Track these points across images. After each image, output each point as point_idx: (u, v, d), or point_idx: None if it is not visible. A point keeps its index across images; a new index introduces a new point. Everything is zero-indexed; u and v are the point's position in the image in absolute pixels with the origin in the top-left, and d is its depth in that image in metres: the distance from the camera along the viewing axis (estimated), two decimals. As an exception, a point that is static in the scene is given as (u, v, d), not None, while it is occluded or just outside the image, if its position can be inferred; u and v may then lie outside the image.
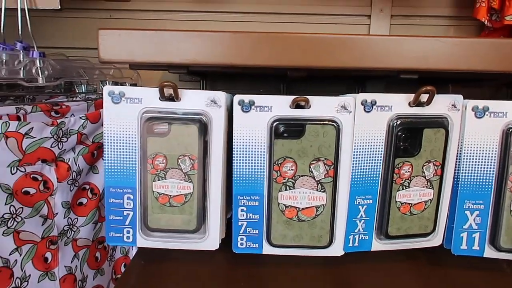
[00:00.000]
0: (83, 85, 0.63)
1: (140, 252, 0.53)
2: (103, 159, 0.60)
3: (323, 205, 0.47)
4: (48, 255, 0.53)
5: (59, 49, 0.65)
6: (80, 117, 0.55)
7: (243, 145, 0.46)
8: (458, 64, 0.44)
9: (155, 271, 0.49)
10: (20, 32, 0.48)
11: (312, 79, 0.74)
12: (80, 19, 0.70)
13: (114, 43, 0.43)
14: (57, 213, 0.53)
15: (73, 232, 0.56)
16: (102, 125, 0.58)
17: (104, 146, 0.47)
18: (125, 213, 0.48)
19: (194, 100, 0.46)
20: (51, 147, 0.51)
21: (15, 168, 0.48)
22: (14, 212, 0.49)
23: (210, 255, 0.50)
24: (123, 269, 0.66)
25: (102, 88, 0.64)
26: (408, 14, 0.78)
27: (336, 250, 0.49)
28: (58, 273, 0.54)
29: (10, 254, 0.49)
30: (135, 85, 0.64)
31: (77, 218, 0.56)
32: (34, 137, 0.49)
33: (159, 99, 0.45)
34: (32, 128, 0.49)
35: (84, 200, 0.57)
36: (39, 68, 0.49)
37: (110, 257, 0.64)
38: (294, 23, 0.79)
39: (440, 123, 0.47)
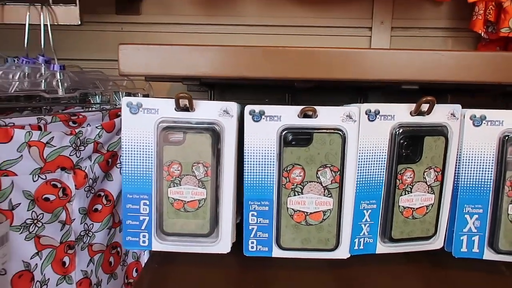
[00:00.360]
0: (97, 96, 0.65)
1: (153, 256, 0.55)
2: (117, 167, 0.63)
3: (330, 209, 0.49)
4: (66, 259, 0.55)
5: (74, 61, 0.68)
6: (96, 127, 0.58)
7: (254, 153, 0.49)
8: (456, 76, 0.46)
9: (169, 274, 0.51)
10: (42, 46, 0.50)
11: (316, 89, 0.77)
12: (93, 32, 0.73)
13: (133, 57, 0.46)
14: (74, 219, 0.56)
15: (89, 237, 0.58)
16: (117, 134, 0.61)
17: (122, 154, 0.49)
18: (141, 218, 0.50)
19: (207, 110, 0.48)
20: (69, 155, 0.54)
21: (37, 175, 0.51)
22: (36, 217, 0.51)
23: (221, 258, 0.52)
24: (134, 274, 0.69)
25: (115, 99, 0.67)
26: (408, 26, 0.81)
27: (343, 253, 0.51)
28: (75, 277, 0.56)
29: (31, 258, 0.51)
30: (147, 95, 0.67)
31: (92, 223, 0.59)
32: (55, 146, 0.52)
33: (175, 109, 0.48)
34: (53, 137, 0.51)
35: (99, 207, 0.60)
36: (59, 80, 0.52)
37: (122, 261, 0.66)
38: (298, 35, 0.82)
39: (440, 131, 0.50)
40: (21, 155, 0.49)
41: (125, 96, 0.67)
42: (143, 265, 0.69)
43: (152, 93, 0.69)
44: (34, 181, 0.51)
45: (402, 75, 0.48)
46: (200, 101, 0.48)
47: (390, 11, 0.79)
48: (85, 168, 0.56)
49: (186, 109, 0.48)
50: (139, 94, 0.66)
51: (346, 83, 0.57)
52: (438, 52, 0.47)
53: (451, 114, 0.50)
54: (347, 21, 0.81)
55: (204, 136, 0.48)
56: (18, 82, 0.48)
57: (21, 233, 0.50)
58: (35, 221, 0.51)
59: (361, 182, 0.49)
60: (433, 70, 0.47)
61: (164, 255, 0.53)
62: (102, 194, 0.60)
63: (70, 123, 0.57)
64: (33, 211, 0.51)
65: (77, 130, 0.55)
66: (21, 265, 0.50)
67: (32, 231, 0.51)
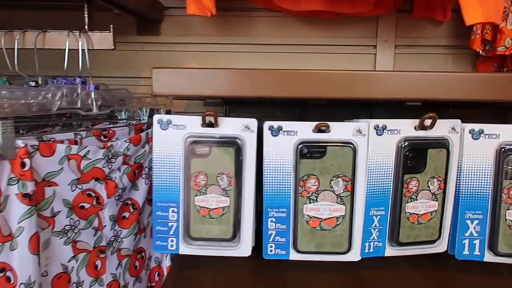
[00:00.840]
0: (123, 112, 0.71)
1: (176, 260, 0.60)
2: (142, 178, 0.68)
3: (342, 216, 0.54)
4: (98, 263, 0.60)
5: (100, 78, 0.73)
6: (125, 141, 0.63)
7: (272, 165, 0.54)
8: (455, 94, 0.51)
9: (193, 276, 0.56)
10: (80, 69, 0.56)
11: (324, 105, 0.82)
12: (118, 51, 0.78)
13: (164, 79, 0.51)
14: (105, 226, 0.61)
15: (117, 243, 0.63)
16: (142, 147, 0.66)
17: (153, 166, 0.54)
18: (169, 224, 0.55)
19: (230, 126, 0.53)
20: (102, 167, 0.59)
21: (75, 186, 0.56)
22: (73, 224, 0.56)
23: (240, 261, 0.57)
24: (156, 278, 0.73)
25: (140, 114, 0.72)
26: (411, 44, 0.86)
27: (354, 255, 0.56)
28: (106, 280, 0.61)
29: (68, 261, 0.56)
30: (169, 111, 0.72)
31: (121, 230, 0.63)
32: (90, 159, 0.57)
33: (201, 125, 0.53)
34: (89, 151, 0.56)
35: (127, 214, 0.64)
36: (93, 99, 0.57)
37: (146, 266, 0.71)
38: (306, 53, 0.87)
39: (442, 144, 0.55)
40: (62, 168, 0.54)
41: (149, 111, 0.73)
42: (164, 270, 0.73)
43: (173, 108, 0.75)
44: (72, 191, 0.55)
45: (406, 94, 0.53)
46: (224, 118, 0.54)
47: (394, 30, 0.85)
48: (115, 179, 0.61)
49: (211, 125, 0.53)
50: (162, 110, 0.71)
51: (353, 100, 0.62)
52: (439, 73, 0.52)
53: (452, 128, 0.55)
54: (353, 39, 0.86)
55: (228, 149, 0.53)
56: (59, 102, 0.53)
57: (60, 238, 0.54)
58: (73, 227, 0.56)
59: (370, 190, 0.54)
60: (434, 90, 0.52)
61: (186, 259, 0.58)
62: (129, 202, 0.65)
63: (102, 137, 0.63)
64: (71, 218, 0.56)
65: (108, 144, 0.60)
66: (60, 267, 0.55)
67: (70, 236, 0.56)
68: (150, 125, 0.70)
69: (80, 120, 0.67)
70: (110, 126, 0.66)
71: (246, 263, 0.58)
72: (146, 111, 0.72)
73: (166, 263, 0.73)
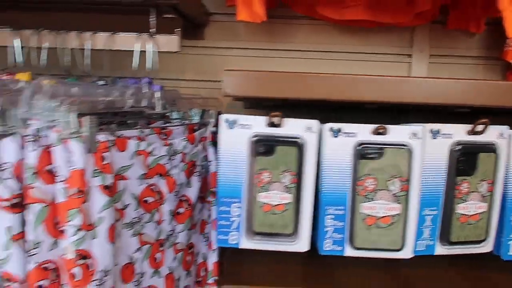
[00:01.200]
0: (174, 112, 0.73)
1: (225, 255, 0.63)
2: (194, 176, 0.70)
3: (398, 214, 0.57)
4: (158, 255, 0.62)
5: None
6: (182, 139, 0.65)
7: (332, 164, 0.57)
8: (498, 101, 0.54)
9: (247, 270, 0.59)
10: (149, 69, 0.59)
11: (357, 109, 0.85)
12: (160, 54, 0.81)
13: (234, 81, 0.54)
14: (164, 220, 0.63)
15: (173, 237, 0.66)
16: (196, 146, 0.69)
17: (219, 164, 0.57)
18: (232, 219, 0.58)
19: (293, 126, 0.56)
20: (164, 163, 0.61)
21: (141, 180, 0.58)
22: (139, 217, 0.58)
23: (288, 256, 0.60)
24: (202, 273, 0.75)
25: (191, 114, 0.75)
26: (444, 54, 0.90)
27: (407, 253, 0.59)
28: (163, 272, 0.63)
29: (134, 253, 0.58)
30: (220, 112, 0.75)
31: (177, 225, 0.66)
32: (155, 155, 0.59)
33: (266, 125, 0.56)
34: (155, 148, 0.59)
35: (181, 210, 0.67)
36: (158, 98, 0.60)
37: (195, 261, 0.73)
38: (342, 60, 0.91)
39: (491, 148, 0.58)
40: (132, 163, 0.56)
41: (197, 111, 0.76)
42: (209, 266, 0.76)
43: (222, 109, 0.78)
44: (139, 185, 0.58)
45: (457, 100, 0.56)
46: (287, 119, 0.57)
47: (428, 40, 0.89)
48: (174, 175, 0.64)
49: (275, 125, 0.56)
50: (212, 111, 0.74)
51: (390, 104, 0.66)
52: (487, 81, 0.55)
53: (500, 134, 0.58)
54: (389, 48, 0.90)
55: (291, 149, 0.56)
56: (130, 100, 0.56)
57: (129, 230, 0.57)
58: (139, 220, 0.58)
59: (424, 191, 0.57)
60: (483, 97, 0.55)
61: (235, 253, 0.61)
62: (184, 199, 0.68)
63: (161, 135, 0.65)
64: (137, 211, 0.58)
65: (169, 142, 0.63)
66: (127, 258, 0.57)
67: (137, 229, 0.58)
68: (202, 125, 0.73)
69: (139, 118, 0.70)
70: (168, 125, 0.69)
71: (293, 258, 0.61)
72: (197, 112, 0.75)
73: (213, 259, 0.75)
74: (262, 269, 0.61)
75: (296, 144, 0.56)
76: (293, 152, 0.56)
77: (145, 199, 0.60)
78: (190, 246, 0.71)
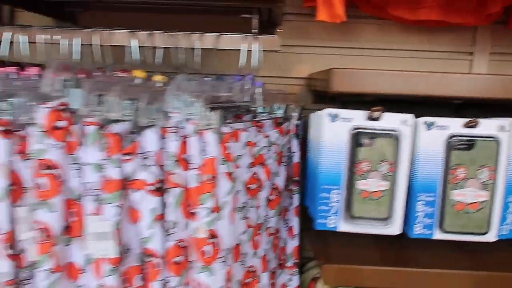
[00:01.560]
0: (260, 106, 0.79)
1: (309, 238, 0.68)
2: (281, 165, 0.76)
3: (485, 201, 0.62)
4: (257, 238, 0.68)
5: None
6: (276, 132, 0.71)
7: (426, 155, 0.62)
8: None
9: (344, 251, 0.64)
10: (254, 67, 0.64)
11: (415, 104, 0.90)
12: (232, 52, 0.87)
13: (341, 79, 0.60)
14: (261, 205, 0.69)
15: (267, 222, 0.71)
16: (284, 137, 0.74)
17: (321, 154, 0.62)
18: (331, 204, 0.63)
19: (390, 120, 0.62)
20: (264, 153, 0.67)
21: (248, 169, 0.64)
22: (246, 202, 0.64)
23: (372, 239, 0.65)
24: (282, 258, 0.81)
25: (274, 109, 0.81)
26: (504, 52, 0.94)
27: (491, 236, 0.63)
28: (259, 254, 0.69)
29: (241, 235, 0.64)
30: (303, 107, 0.81)
31: (269, 210, 0.72)
32: (259, 146, 0.65)
33: (366, 119, 0.61)
34: (260, 139, 0.65)
35: (272, 197, 0.73)
36: (260, 94, 0.66)
37: (279, 245, 0.79)
38: (406, 57, 0.96)
39: None
40: (243, 152, 0.62)
41: (279, 105, 0.81)
42: (288, 250, 0.81)
43: (301, 104, 0.83)
44: (247, 173, 0.64)
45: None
46: (384, 113, 0.62)
47: (490, 39, 0.93)
48: (269, 165, 0.70)
49: (374, 119, 0.61)
50: (293, 106, 0.79)
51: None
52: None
53: None
54: (452, 47, 0.94)
55: (389, 140, 0.61)
56: (243, 95, 0.62)
57: (239, 213, 0.63)
58: (245, 205, 0.64)
59: (510, 179, 0.62)
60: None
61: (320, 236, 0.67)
62: (274, 186, 0.74)
63: (257, 128, 0.71)
64: (245, 197, 0.64)
65: (267, 133, 0.68)
66: (236, 240, 0.63)
67: (244, 213, 0.64)
68: (285, 119, 0.78)
69: (241, 112, 0.75)
70: (263, 119, 0.74)
71: (378, 240, 0.67)
72: (280, 106, 0.80)
73: (294, 243, 0.81)
74: (352, 250, 0.67)
75: (394, 136, 0.61)
76: (391, 143, 0.61)
77: (250, 186, 0.65)
78: (277, 230, 0.77)
